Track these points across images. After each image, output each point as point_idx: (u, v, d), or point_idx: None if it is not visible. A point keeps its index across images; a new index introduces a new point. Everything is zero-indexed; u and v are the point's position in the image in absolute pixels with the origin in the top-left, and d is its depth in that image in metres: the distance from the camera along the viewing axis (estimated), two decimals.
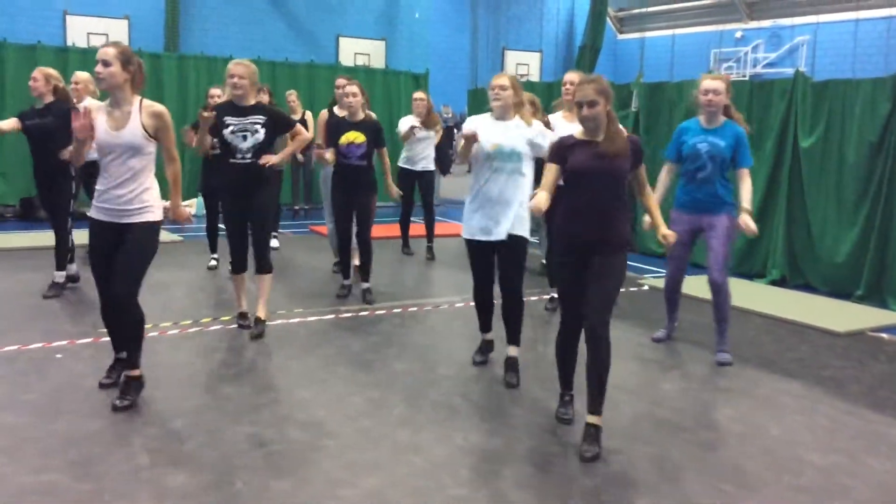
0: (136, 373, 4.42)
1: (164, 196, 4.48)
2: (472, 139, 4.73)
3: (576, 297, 4.06)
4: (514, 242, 4.87)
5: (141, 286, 4.36)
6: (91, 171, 7.71)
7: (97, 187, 4.37)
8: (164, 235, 6.98)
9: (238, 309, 5.96)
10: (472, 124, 4.93)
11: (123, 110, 4.28)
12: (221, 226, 6.60)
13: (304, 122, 10.17)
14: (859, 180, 7.65)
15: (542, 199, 3.87)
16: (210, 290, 7.25)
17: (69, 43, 14.96)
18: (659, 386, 5.01)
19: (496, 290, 5.08)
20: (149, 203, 4.33)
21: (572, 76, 6.14)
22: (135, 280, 4.31)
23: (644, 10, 23.18)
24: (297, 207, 12.51)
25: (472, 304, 5.26)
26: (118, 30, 16.55)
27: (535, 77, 22.73)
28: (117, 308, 4.35)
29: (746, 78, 19.21)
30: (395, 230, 9.63)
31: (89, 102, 7.49)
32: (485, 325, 5.30)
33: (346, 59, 18.51)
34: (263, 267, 5.80)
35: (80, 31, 16.08)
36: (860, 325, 6.51)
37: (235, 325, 5.90)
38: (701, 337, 5.89)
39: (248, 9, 18.02)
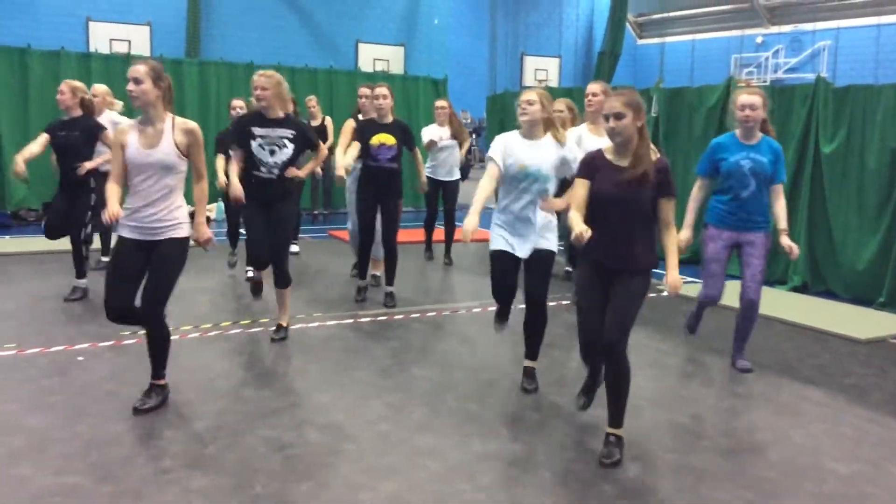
0: (160, 382, 4.47)
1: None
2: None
3: (596, 312, 4.01)
4: (541, 256, 4.79)
5: (168, 301, 4.38)
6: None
7: (126, 205, 4.31)
8: None
9: (255, 278, 6.20)
10: (499, 143, 4.75)
11: (156, 128, 4.25)
12: (242, 230, 6.66)
13: (324, 127, 10.23)
14: (881, 187, 7.58)
15: (583, 230, 3.75)
16: (230, 294, 7.29)
17: (92, 49, 15.12)
18: (678, 393, 4.99)
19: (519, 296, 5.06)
20: (179, 220, 4.32)
21: (594, 87, 6.09)
22: (163, 296, 4.32)
23: (664, 15, 23.12)
24: (315, 212, 12.57)
25: (492, 309, 5.24)
26: (140, 36, 16.73)
27: (553, 83, 22.72)
28: (144, 322, 4.38)
29: (767, 83, 19.13)
30: (414, 235, 9.65)
31: (111, 115, 7.66)
32: (501, 314, 5.05)
33: (366, 64, 18.60)
34: (281, 281, 5.69)
35: (103, 37, 16.26)
36: (882, 332, 6.45)
37: (255, 330, 5.92)
38: (720, 344, 5.86)
39: (268, 15, 18.15)
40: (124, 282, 4.30)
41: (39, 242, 9.37)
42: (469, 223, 4.38)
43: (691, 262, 8.72)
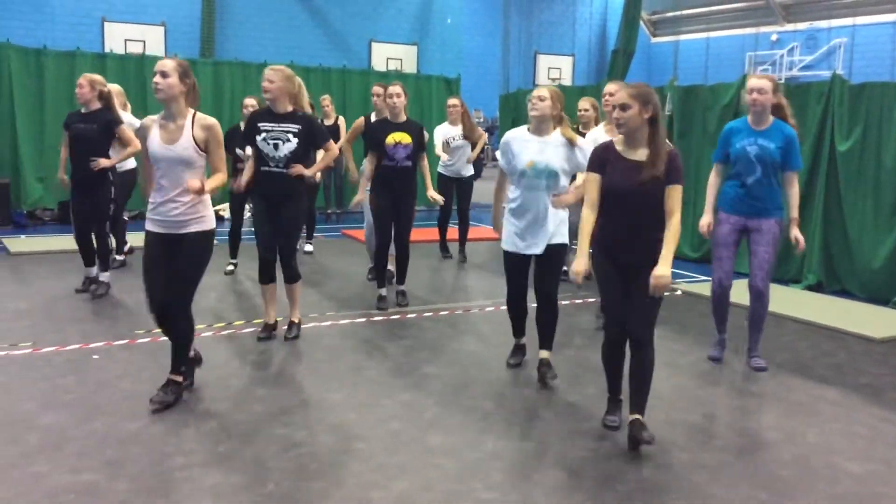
0: (179, 378, 4.49)
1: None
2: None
3: (618, 307, 4.07)
4: (553, 251, 4.87)
5: (194, 295, 4.45)
6: (128, 179, 7.93)
7: (151, 200, 4.42)
8: None
9: (265, 319, 5.86)
10: (503, 147, 4.92)
11: (177, 123, 4.33)
12: (247, 230, 6.67)
13: (336, 127, 10.25)
14: None
15: (581, 271, 3.98)
16: (242, 293, 7.32)
17: (107, 49, 15.22)
18: (692, 392, 4.97)
19: (530, 295, 5.09)
20: (202, 213, 4.39)
21: (611, 87, 6.09)
22: (188, 289, 4.41)
23: (678, 13, 22.98)
24: (329, 211, 12.60)
25: (505, 308, 5.26)
26: (155, 36, 16.82)
27: (567, 81, 22.66)
28: (169, 316, 4.42)
29: (782, 81, 18.99)
30: (426, 234, 9.66)
31: (126, 116, 7.70)
32: (518, 331, 5.31)
33: (379, 64, 18.62)
34: (291, 276, 5.74)
35: (118, 37, 16.36)
36: None
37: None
38: (734, 343, 5.82)
39: (282, 15, 18.20)
40: (158, 276, 4.39)
41: (55, 241, 9.48)
42: (495, 226, 5.18)
43: (704, 260, 8.69)
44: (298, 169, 5.47)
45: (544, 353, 5.05)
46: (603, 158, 4.01)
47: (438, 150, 8.79)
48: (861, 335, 6.26)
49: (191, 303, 4.45)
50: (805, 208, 8.21)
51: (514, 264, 5.00)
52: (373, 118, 7.38)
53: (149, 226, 4.43)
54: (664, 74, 19.70)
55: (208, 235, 4.44)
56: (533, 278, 5.02)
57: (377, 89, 7.36)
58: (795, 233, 5.19)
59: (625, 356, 4.23)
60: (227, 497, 3.42)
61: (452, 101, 9.02)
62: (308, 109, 5.70)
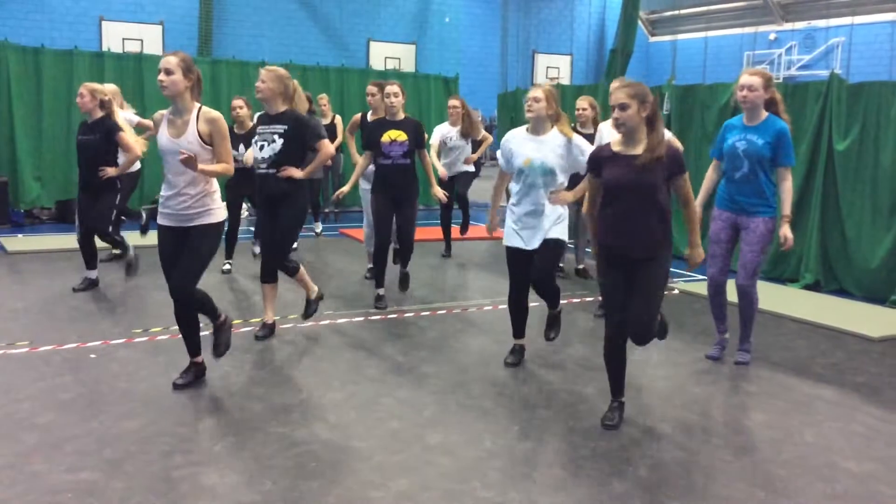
0: (197, 360, 4.72)
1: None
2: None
3: (619, 303, 4.14)
4: (549, 244, 4.99)
5: (199, 281, 4.57)
6: (131, 178, 8.02)
7: (162, 194, 4.54)
8: None
9: (264, 318, 5.86)
10: (503, 147, 5.09)
11: (184, 118, 4.42)
12: (244, 228, 6.68)
13: (333, 126, 10.24)
14: (895, 184, 7.53)
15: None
16: (240, 292, 7.32)
17: (105, 48, 15.21)
18: (690, 390, 4.97)
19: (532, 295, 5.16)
20: (210, 207, 4.49)
21: (616, 84, 6.11)
22: (192, 275, 4.52)
23: (676, 12, 23.00)
24: (326, 210, 12.58)
25: (503, 307, 5.28)
26: (152, 35, 16.82)
27: (565, 80, 22.67)
28: (178, 302, 4.57)
29: (780, 80, 19.01)
30: (425, 233, 9.65)
31: (126, 115, 7.72)
32: (518, 332, 5.33)
33: (377, 62, 18.63)
34: (289, 273, 5.75)
35: (116, 36, 16.37)
36: (895, 330, 6.41)
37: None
38: (731, 342, 5.82)
39: (280, 14, 18.21)
40: (172, 268, 4.53)
41: (52, 241, 9.47)
42: (489, 221, 5.39)
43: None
44: (289, 171, 5.39)
45: (549, 311, 5.32)
46: (598, 160, 4.17)
47: (433, 149, 8.76)
48: (859, 334, 6.26)
49: (196, 285, 4.55)
50: (803, 207, 8.23)
51: (516, 260, 5.10)
52: (369, 117, 7.38)
53: (160, 220, 4.57)
54: (662, 74, 19.71)
55: (217, 227, 4.55)
56: (532, 268, 5.10)
57: (371, 89, 7.32)
58: (784, 231, 5.15)
59: (625, 355, 4.26)
60: (225, 496, 3.42)
61: (453, 101, 8.94)
62: (304, 109, 5.65)
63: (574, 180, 5.22)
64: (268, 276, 5.76)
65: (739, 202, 5.24)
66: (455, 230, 9.33)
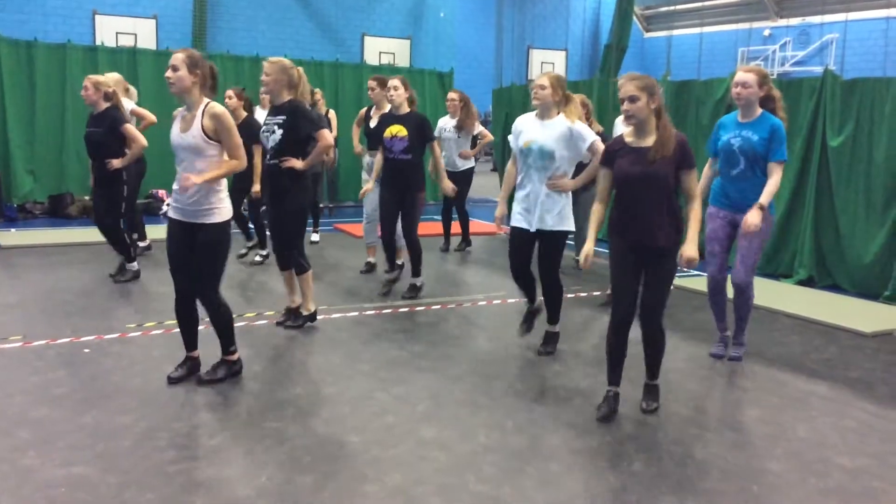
0: (230, 357, 4.75)
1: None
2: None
3: (628, 290, 4.26)
4: (552, 236, 5.16)
5: (220, 283, 4.61)
6: (143, 176, 8.05)
7: (174, 187, 4.56)
8: None
9: (288, 304, 5.98)
10: (516, 122, 5.28)
11: (192, 113, 4.45)
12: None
13: (328, 120, 10.22)
14: (888, 180, 7.53)
15: (588, 254, 4.36)
16: (236, 287, 7.30)
17: (98, 42, 15.14)
18: (685, 386, 4.98)
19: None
20: (217, 205, 4.48)
21: (625, 77, 6.12)
22: (212, 280, 4.56)
23: (671, 7, 23.01)
24: (322, 205, 12.54)
25: (499, 302, 5.30)
26: (146, 29, 16.75)
27: None
28: (191, 304, 4.62)
29: (774, 76, 19.02)
30: (426, 227, 9.63)
31: (129, 104, 7.69)
32: (529, 298, 5.53)
33: (372, 57, 18.58)
34: (296, 269, 5.79)
35: (109, 30, 16.29)
36: (888, 326, 6.43)
37: (260, 323, 5.94)
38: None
39: (275, 8, 18.14)
40: (180, 263, 4.55)
41: (45, 235, 9.44)
42: (497, 212, 5.46)
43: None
44: (290, 161, 5.45)
45: (548, 327, 5.43)
46: (612, 152, 4.30)
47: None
48: (852, 330, 6.28)
49: (217, 290, 4.60)
50: (796, 203, 8.25)
51: (517, 239, 5.27)
52: (372, 111, 7.53)
53: (170, 213, 4.61)
54: (657, 69, 19.72)
55: (224, 226, 4.54)
56: (537, 261, 5.29)
57: (371, 83, 7.44)
58: (750, 216, 4.96)
59: (627, 345, 4.33)
60: (219, 490, 3.41)
61: (451, 94, 9.13)
62: (308, 98, 5.73)
63: (580, 170, 5.26)
64: (281, 266, 5.84)
65: (736, 199, 5.23)
66: (455, 225, 9.35)
